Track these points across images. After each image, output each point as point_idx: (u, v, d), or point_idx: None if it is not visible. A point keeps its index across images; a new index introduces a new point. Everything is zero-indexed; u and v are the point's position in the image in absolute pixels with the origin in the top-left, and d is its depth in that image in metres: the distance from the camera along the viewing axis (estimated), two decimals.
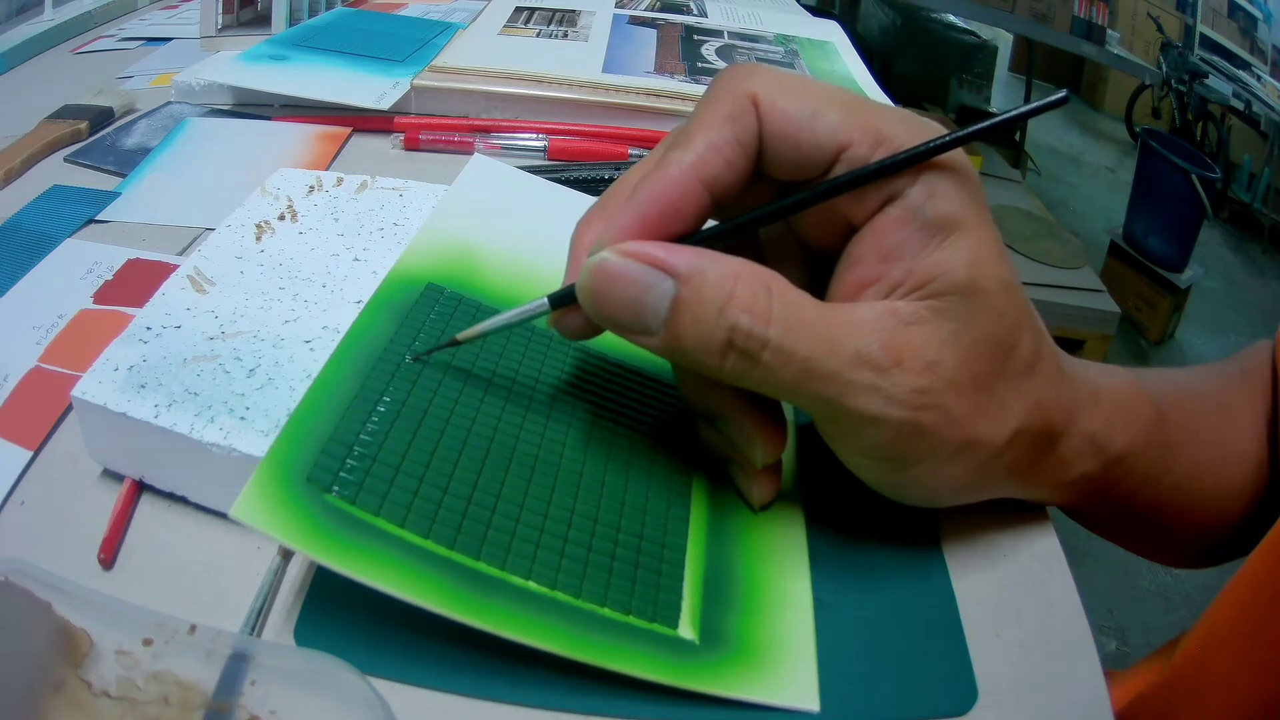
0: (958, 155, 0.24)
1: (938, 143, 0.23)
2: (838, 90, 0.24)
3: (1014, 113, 0.24)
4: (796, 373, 0.22)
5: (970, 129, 0.24)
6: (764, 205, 0.24)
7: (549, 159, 0.49)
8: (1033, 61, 2.47)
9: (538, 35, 0.62)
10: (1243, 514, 0.33)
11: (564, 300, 0.25)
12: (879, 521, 0.28)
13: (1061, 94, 0.24)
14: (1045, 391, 0.26)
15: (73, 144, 0.48)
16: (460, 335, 0.27)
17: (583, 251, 0.24)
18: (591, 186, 0.45)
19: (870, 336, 0.23)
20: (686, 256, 0.23)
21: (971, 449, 0.25)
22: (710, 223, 0.25)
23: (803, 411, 0.31)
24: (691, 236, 0.24)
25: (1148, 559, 0.37)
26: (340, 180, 0.38)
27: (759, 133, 0.24)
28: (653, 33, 0.65)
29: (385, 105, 0.50)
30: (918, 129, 0.24)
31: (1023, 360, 0.25)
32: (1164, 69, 2.07)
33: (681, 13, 0.71)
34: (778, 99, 0.24)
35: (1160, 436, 0.29)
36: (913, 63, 2.49)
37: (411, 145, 0.49)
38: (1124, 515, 0.31)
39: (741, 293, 0.22)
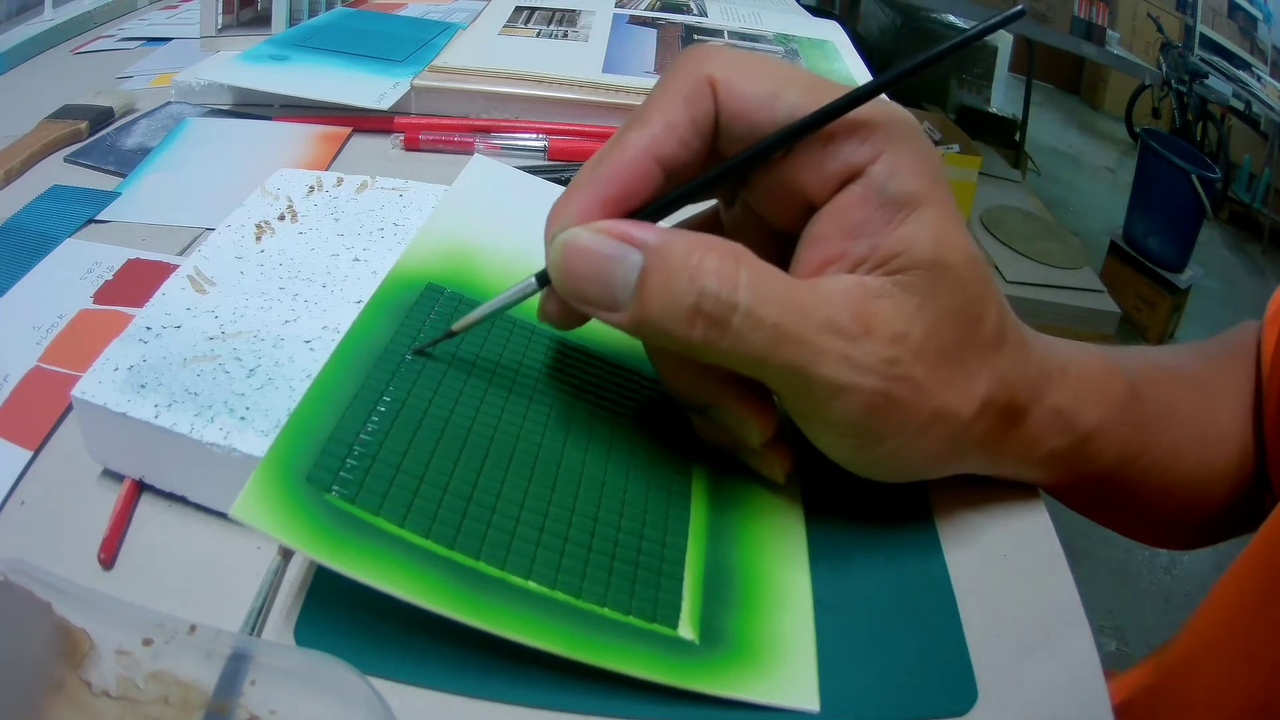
0: (915, 131, 0.24)
1: (871, 86, 0.23)
2: (799, 72, 0.25)
3: (959, 38, 0.24)
4: (767, 339, 0.22)
5: (910, 63, 0.24)
6: (712, 169, 0.25)
7: (549, 159, 0.49)
8: (1033, 61, 2.47)
9: (538, 35, 0.62)
10: (1227, 496, 0.33)
11: (545, 280, 0.25)
12: (879, 522, 0.28)
13: (1018, 9, 0.24)
14: (1011, 365, 0.26)
15: (73, 144, 0.48)
16: (455, 325, 0.27)
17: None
18: None
19: (839, 306, 0.23)
20: (653, 231, 0.23)
21: (941, 421, 0.25)
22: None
23: None
24: (646, 209, 0.24)
25: (1129, 537, 0.37)
26: (340, 180, 0.38)
27: (715, 113, 0.24)
28: (653, 32, 0.65)
29: (385, 105, 0.50)
30: (876, 105, 0.24)
31: (989, 333, 0.25)
32: (1164, 69, 2.07)
33: (682, 12, 0.71)
34: (735, 80, 0.24)
35: (1134, 413, 0.29)
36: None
37: (411, 145, 0.49)
38: (1101, 493, 0.31)
39: (709, 261, 0.22)
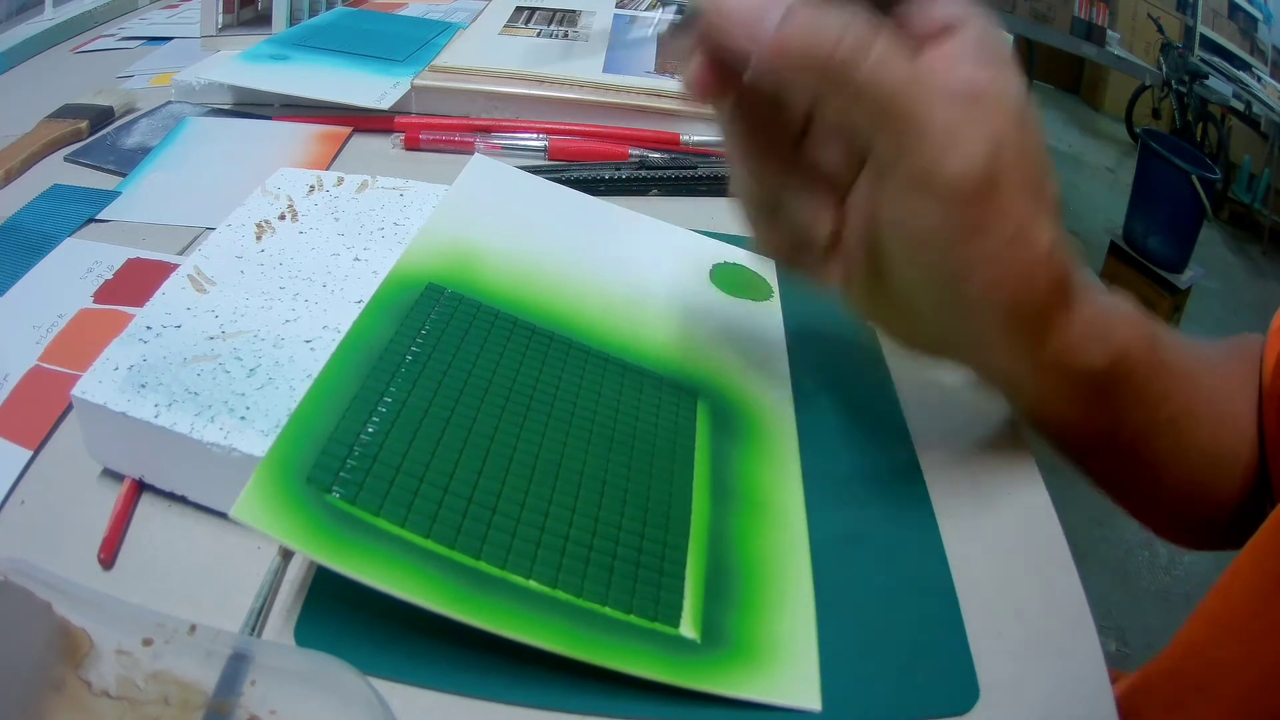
0: None
1: None
2: None
3: None
4: (899, 79, 0.23)
5: None
6: None
7: (549, 159, 0.49)
8: (1033, 62, 2.47)
9: (538, 35, 0.62)
10: (1235, 489, 0.33)
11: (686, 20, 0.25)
12: (881, 521, 0.28)
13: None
14: (1063, 243, 0.26)
15: (73, 143, 0.48)
16: None
17: None
18: (591, 186, 0.45)
19: (960, 66, 0.23)
20: None
21: (1022, 242, 0.25)
22: None
23: (806, 399, 0.31)
24: None
25: (1138, 518, 0.37)
26: (341, 180, 0.38)
27: None
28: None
29: (386, 105, 0.50)
30: None
31: (1049, 192, 0.25)
32: (1164, 69, 2.07)
33: (682, 12, 0.71)
34: None
35: (1157, 356, 0.29)
36: None
37: (412, 145, 0.49)
38: (1115, 442, 0.31)
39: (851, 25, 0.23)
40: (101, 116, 0.50)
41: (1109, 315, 0.28)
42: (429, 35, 0.60)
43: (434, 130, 0.50)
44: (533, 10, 0.67)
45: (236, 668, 0.21)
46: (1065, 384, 0.28)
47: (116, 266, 0.37)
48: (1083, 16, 2.05)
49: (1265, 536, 0.29)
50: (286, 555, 0.25)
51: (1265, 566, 0.29)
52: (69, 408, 0.30)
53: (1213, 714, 0.29)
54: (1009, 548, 0.28)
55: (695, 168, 0.48)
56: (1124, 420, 0.30)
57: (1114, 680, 0.25)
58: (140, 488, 0.27)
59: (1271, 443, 0.33)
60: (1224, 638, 0.30)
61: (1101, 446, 0.31)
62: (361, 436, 0.25)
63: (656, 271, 0.36)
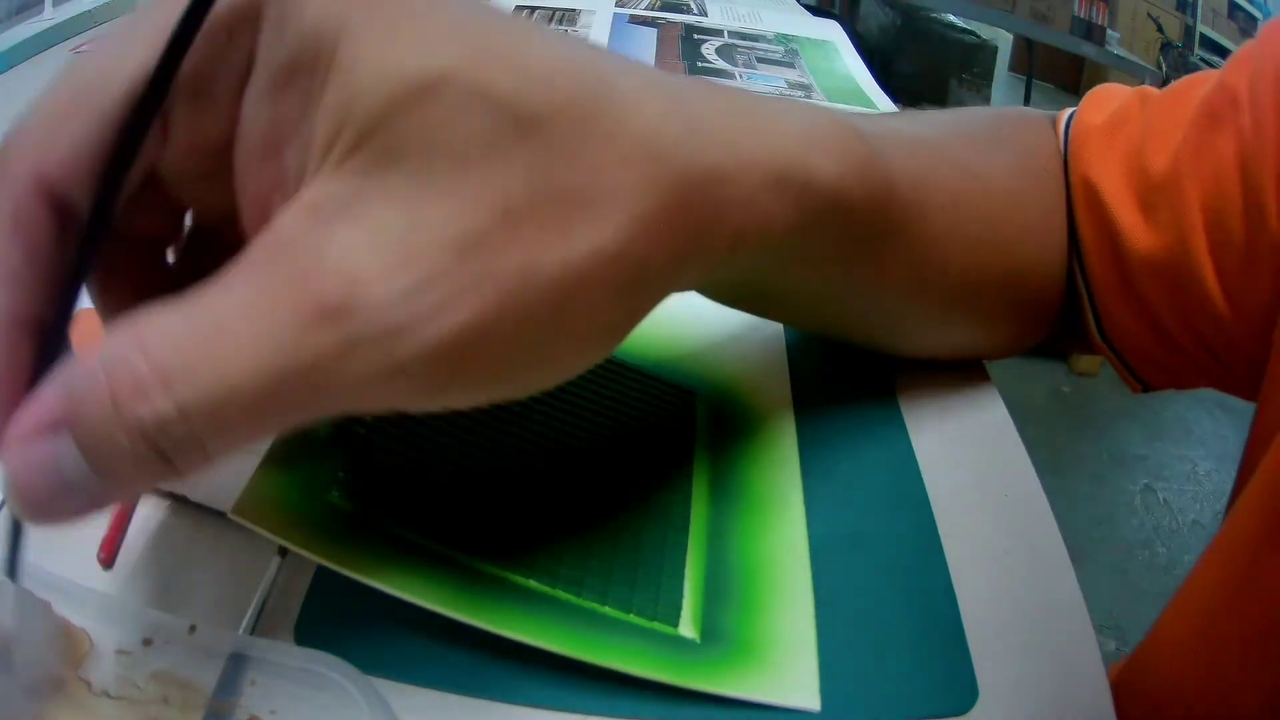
0: None
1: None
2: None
3: None
4: (253, 411, 0.15)
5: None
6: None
7: None
8: (1033, 61, 2.47)
9: None
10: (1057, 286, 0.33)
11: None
12: (880, 520, 0.28)
13: None
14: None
15: None
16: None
17: None
18: None
19: (297, 280, 0.15)
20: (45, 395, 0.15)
21: (574, 290, 0.17)
22: None
23: (805, 399, 0.31)
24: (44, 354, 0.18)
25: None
26: None
27: (57, 213, 0.17)
28: (653, 32, 0.65)
29: None
30: None
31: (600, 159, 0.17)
32: (1164, 69, 2.07)
33: (682, 12, 0.71)
34: (49, 151, 0.17)
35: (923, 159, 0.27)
36: (913, 63, 2.49)
37: None
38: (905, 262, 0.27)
39: (117, 378, 0.15)
40: None
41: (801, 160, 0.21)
42: None
43: None
44: (532, 10, 0.67)
45: (236, 668, 0.21)
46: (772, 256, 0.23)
47: None
48: (1083, 16, 2.05)
49: (1249, 499, 0.28)
50: (286, 555, 0.25)
51: (1250, 525, 0.28)
52: None
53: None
54: (1008, 548, 0.28)
55: None
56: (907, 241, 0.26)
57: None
58: None
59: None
60: (1171, 655, 0.30)
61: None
62: (361, 435, 0.25)
63: None
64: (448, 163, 0.16)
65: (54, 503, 0.16)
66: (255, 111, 0.17)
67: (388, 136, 0.16)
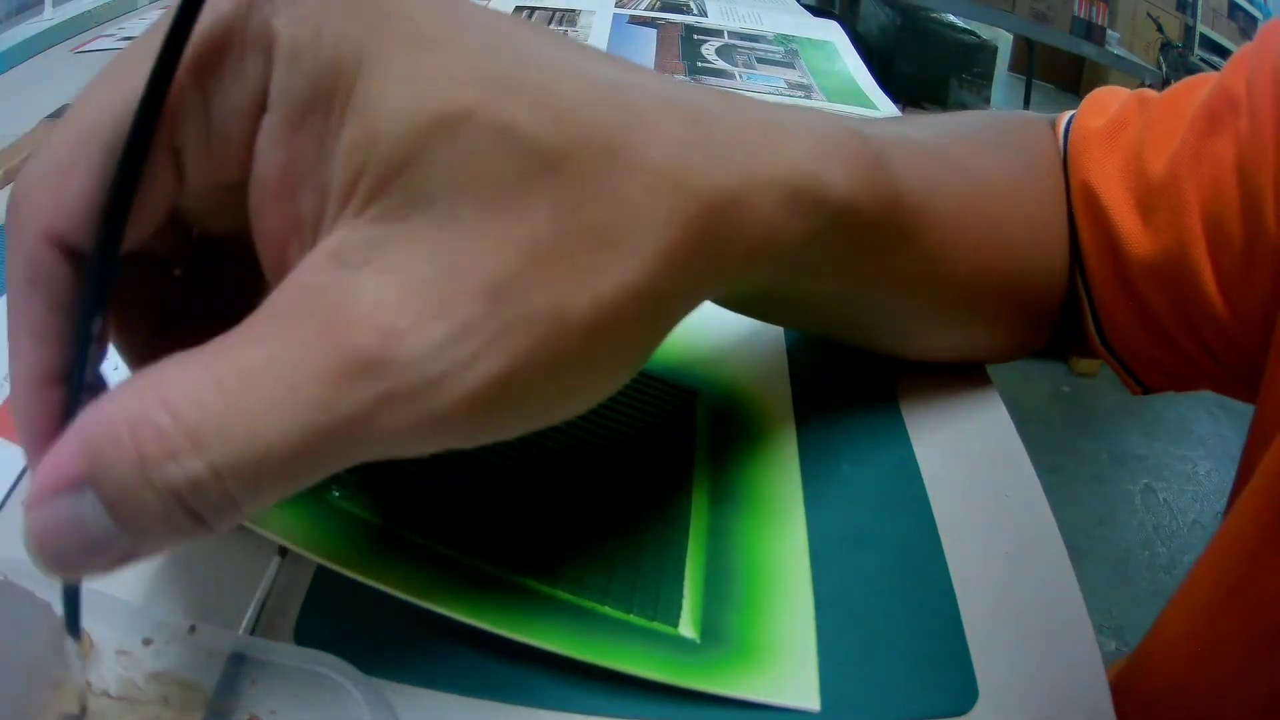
0: None
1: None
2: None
3: None
4: (290, 467, 0.15)
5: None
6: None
7: None
8: (1033, 61, 2.47)
9: None
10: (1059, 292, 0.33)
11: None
12: (880, 520, 0.28)
13: None
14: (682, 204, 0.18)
15: None
16: None
17: None
18: None
19: (327, 333, 0.15)
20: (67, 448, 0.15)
21: (602, 327, 0.17)
22: None
23: (805, 399, 0.31)
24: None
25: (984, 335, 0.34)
26: None
27: (68, 269, 0.17)
28: (653, 32, 0.65)
29: None
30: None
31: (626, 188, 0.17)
32: (1164, 69, 2.07)
33: (681, 12, 0.71)
34: (52, 205, 0.16)
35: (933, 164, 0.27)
36: (913, 63, 2.49)
37: None
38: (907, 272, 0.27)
39: (143, 438, 0.14)
40: None
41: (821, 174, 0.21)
42: None
43: None
44: (532, 10, 0.67)
45: (236, 668, 0.21)
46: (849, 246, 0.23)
47: None
48: (1082, 16, 2.05)
49: (1249, 497, 0.28)
50: (286, 555, 0.25)
51: (1249, 523, 0.28)
52: None
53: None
54: (1007, 548, 0.28)
55: None
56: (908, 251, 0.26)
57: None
58: None
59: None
60: (1168, 657, 0.30)
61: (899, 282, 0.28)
62: None
63: None
64: (474, 205, 0.16)
65: (80, 558, 0.16)
66: (270, 151, 0.16)
67: (411, 180, 0.15)
